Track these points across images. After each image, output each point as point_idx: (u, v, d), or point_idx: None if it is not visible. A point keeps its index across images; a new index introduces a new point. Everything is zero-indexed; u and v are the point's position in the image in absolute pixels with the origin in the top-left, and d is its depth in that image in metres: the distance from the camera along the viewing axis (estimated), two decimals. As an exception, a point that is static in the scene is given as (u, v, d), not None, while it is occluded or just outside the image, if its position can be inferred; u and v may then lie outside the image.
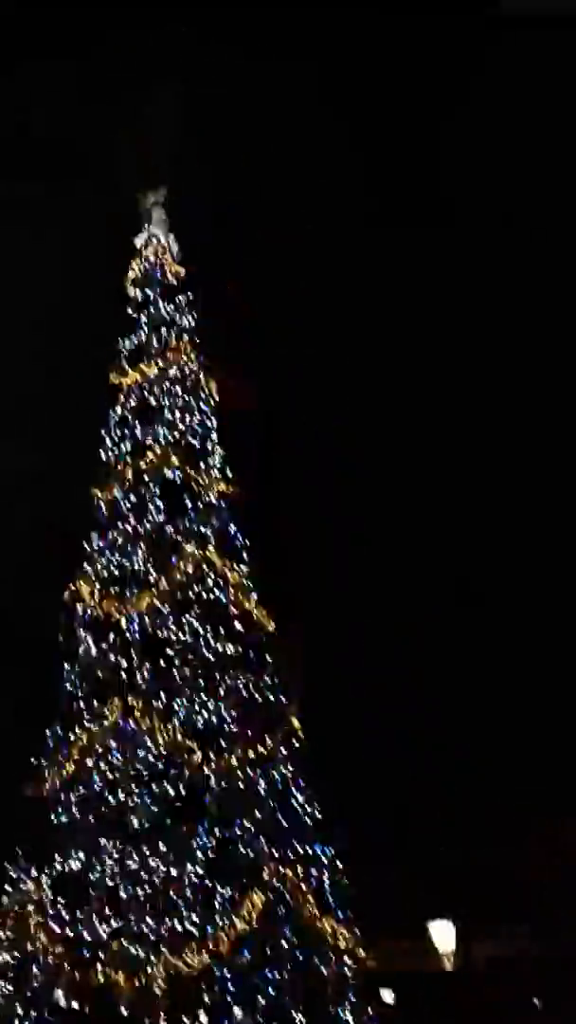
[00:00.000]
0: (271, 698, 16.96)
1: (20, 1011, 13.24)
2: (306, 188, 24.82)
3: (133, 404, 19.93)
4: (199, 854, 14.10)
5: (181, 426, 19.52)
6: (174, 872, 13.85)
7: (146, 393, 19.99)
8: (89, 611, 17.30)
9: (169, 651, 16.54)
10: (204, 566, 17.55)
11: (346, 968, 14.31)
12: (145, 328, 21.05)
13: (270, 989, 13.36)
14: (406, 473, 23.10)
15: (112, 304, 21.45)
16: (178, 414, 19.68)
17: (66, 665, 16.96)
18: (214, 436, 20.05)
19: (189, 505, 18.52)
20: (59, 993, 13.06)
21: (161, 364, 20.24)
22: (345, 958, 14.36)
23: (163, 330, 20.96)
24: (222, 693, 16.34)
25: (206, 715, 15.90)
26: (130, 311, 21.33)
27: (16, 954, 13.49)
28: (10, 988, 13.39)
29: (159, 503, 18.37)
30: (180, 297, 21.58)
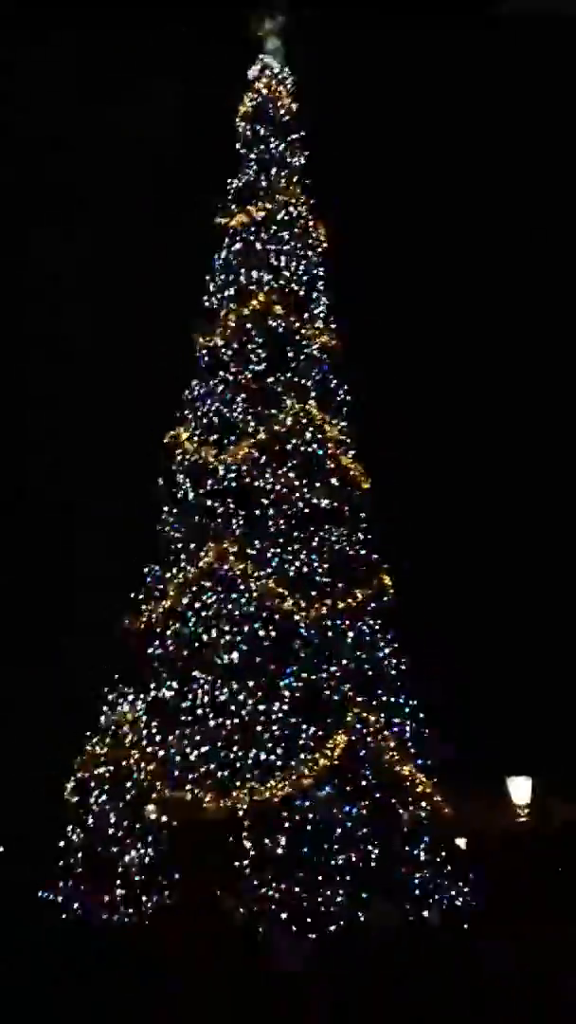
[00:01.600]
0: (363, 553, 17.53)
1: (113, 819, 14.68)
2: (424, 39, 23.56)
3: (238, 247, 19.96)
4: (286, 693, 14.96)
5: (287, 273, 19.53)
6: (262, 707, 14.77)
7: (252, 237, 19.94)
8: (188, 457, 17.94)
9: (264, 501, 17.13)
10: (303, 419, 17.88)
11: (422, 812, 15.25)
12: (254, 167, 20.84)
13: (348, 822, 14.37)
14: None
15: (221, 139, 21.20)
16: (284, 260, 19.66)
17: (165, 508, 17.79)
18: (321, 285, 20.04)
19: (291, 356, 18.71)
20: (150, 807, 14.41)
21: (269, 206, 20.10)
22: (422, 802, 15.28)
23: (273, 170, 20.73)
24: (315, 545, 16.93)
25: (298, 565, 16.54)
26: (239, 148, 21.09)
27: (111, 768, 14.84)
28: (105, 799, 14.81)
29: (260, 353, 18.60)
30: (293, 135, 21.22)
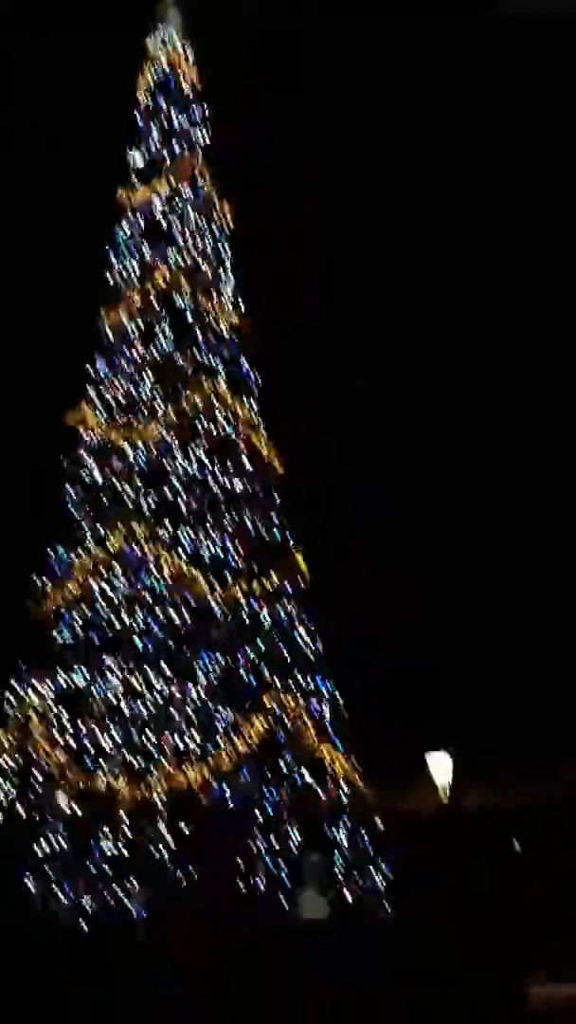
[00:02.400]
0: (277, 536, 17.46)
1: (22, 812, 14.18)
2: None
3: (142, 224, 19.64)
4: (202, 677, 14.75)
5: (193, 250, 19.32)
6: (177, 692, 14.53)
7: (156, 212, 19.66)
8: (94, 437, 17.53)
9: (175, 482, 16.88)
10: (213, 399, 17.71)
11: (342, 794, 15.26)
12: (156, 141, 20.55)
13: (268, 807, 14.26)
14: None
15: (122, 111, 20.81)
16: (190, 237, 19.44)
17: (69, 489, 17.32)
18: (228, 263, 19.90)
19: (199, 335, 18.51)
20: (60, 797, 13.98)
21: (173, 181, 19.85)
22: (342, 783, 15.29)
23: (175, 144, 20.48)
24: (228, 527, 16.78)
25: (212, 547, 16.36)
26: (140, 120, 20.74)
27: (19, 758, 14.33)
28: (13, 790, 14.30)
29: (167, 331, 18.34)
30: (196, 108, 21.01)
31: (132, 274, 19.09)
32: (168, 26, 21.60)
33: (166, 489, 16.75)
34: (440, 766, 14.05)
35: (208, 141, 20.80)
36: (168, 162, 20.24)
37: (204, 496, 16.86)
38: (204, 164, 20.52)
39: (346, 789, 15.59)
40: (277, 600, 16.74)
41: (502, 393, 22.62)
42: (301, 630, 16.88)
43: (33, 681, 15.17)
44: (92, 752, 14.18)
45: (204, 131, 20.94)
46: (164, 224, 19.50)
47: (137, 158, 20.43)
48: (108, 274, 19.37)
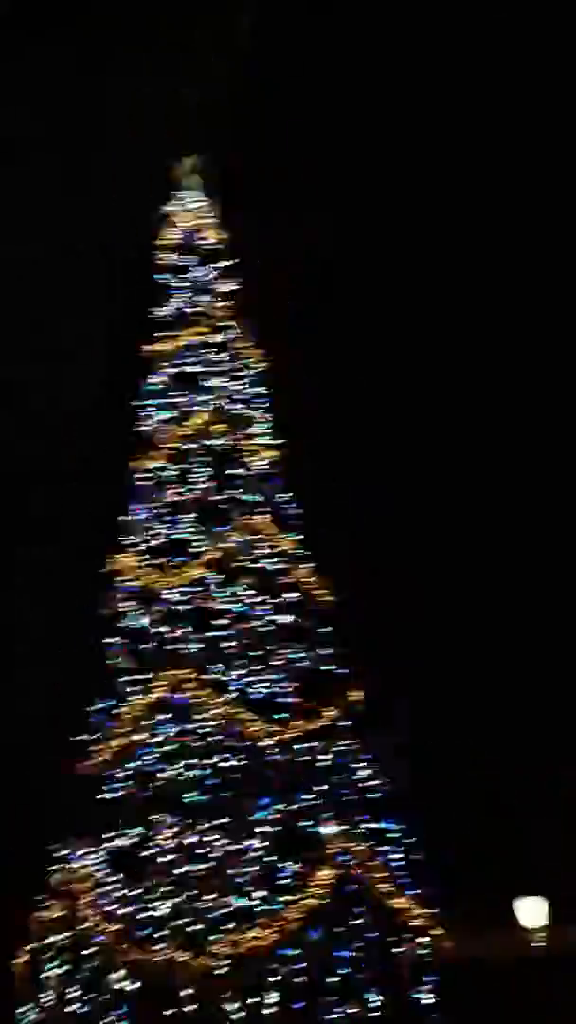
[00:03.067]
0: (330, 670, 16.60)
1: (76, 993, 12.90)
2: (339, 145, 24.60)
3: (171, 372, 19.81)
4: (260, 828, 13.64)
5: (224, 393, 19.37)
6: (235, 847, 13.40)
7: (185, 361, 19.86)
8: (132, 583, 17.10)
9: (220, 622, 16.26)
10: (253, 534, 17.32)
11: (422, 948, 13.77)
12: (181, 295, 21.00)
13: (341, 968, 12.86)
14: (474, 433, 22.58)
15: (147, 271, 21.39)
16: (220, 380, 19.54)
17: (110, 639, 16.75)
18: (260, 404, 19.88)
19: (236, 473, 18.30)
20: (116, 974, 12.72)
21: (201, 331, 20.14)
22: (420, 938, 13.82)
23: (200, 297, 20.91)
24: (278, 664, 16.01)
25: (262, 686, 15.55)
26: (163, 278, 21.28)
27: (68, 934, 13.16)
28: (64, 970, 13.06)
29: (203, 471, 18.17)
30: (218, 263, 21.56)
31: (164, 419, 19.09)
32: (187, 184, 22.46)
33: (210, 629, 16.07)
34: (530, 912, 12.61)
35: (232, 290, 21.21)
36: (194, 315, 20.60)
37: (250, 634, 16.15)
38: (231, 312, 20.86)
39: (425, 941, 14.07)
40: (335, 738, 15.70)
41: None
42: (360, 770, 15.74)
43: (81, 845, 14.11)
44: (147, 921, 12.93)
45: (228, 283, 21.41)
46: (193, 372, 19.63)
47: (162, 313, 20.81)
48: (140, 422, 19.37)
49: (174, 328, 20.44)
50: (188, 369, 19.62)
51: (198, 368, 19.66)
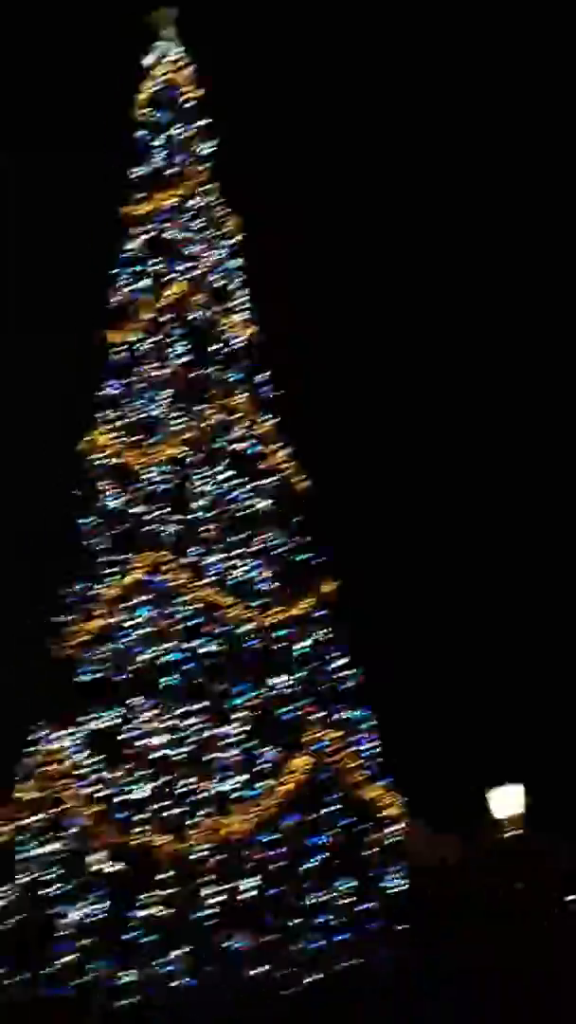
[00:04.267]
0: (305, 558, 16.01)
1: (54, 874, 12.59)
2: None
3: (147, 237, 18.32)
4: (238, 714, 13.24)
5: (202, 262, 18.00)
6: (213, 732, 13.01)
7: (161, 225, 18.35)
8: (108, 462, 16.12)
9: (197, 505, 15.47)
10: (232, 415, 16.38)
11: (393, 835, 13.71)
12: (160, 154, 19.28)
13: (315, 855, 12.72)
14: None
15: (121, 130, 19.55)
16: (198, 248, 18.14)
17: (85, 519, 15.86)
18: (238, 276, 18.59)
19: (213, 349, 17.18)
20: (95, 856, 12.41)
21: (178, 193, 18.56)
22: (392, 827, 13.74)
23: (179, 157, 19.23)
24: (256, 550, 15.36)
25: (240, 572, 14.92)
26: (142, 136, 19.49)
27: (46, 815, 12.75)
28: (42, 851, 12.71)
29: (180, 346, 17.00)
30: (198, 122, 19.78)
31: (140, 289, 17.71)
32: (166, 38, 20.37)
33: (188, 512, 15.28)
34: (507, 800, 12.51)
35: (212, 151, 19.53)
36: (172, 175, 18.96)
37: (228, 518, 15.41)
38: (209, 175, 19.25)
39: (397, 831, 14.02)
40: (311, 626, 15.26)
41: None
42: (336, 659, 15.38)
43: (57, 727, 13.58)
44: (126, 804, 12.57)
45: (206, 144, 19.69)
46: (171, 238, 18.15)
47: (140, 173, 19.10)
48: (114, 292, 17.97)
49: (150, 189, 18.84)
50: (165, 235, 18.13)
51: (176, 234, 18.18)
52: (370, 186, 22.36)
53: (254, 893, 11.89)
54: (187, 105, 19.87)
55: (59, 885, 12.30)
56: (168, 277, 17.62)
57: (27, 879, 12.51)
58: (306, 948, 11.81)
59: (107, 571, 15.14)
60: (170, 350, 16.94)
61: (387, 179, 22.52)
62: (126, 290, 17.88)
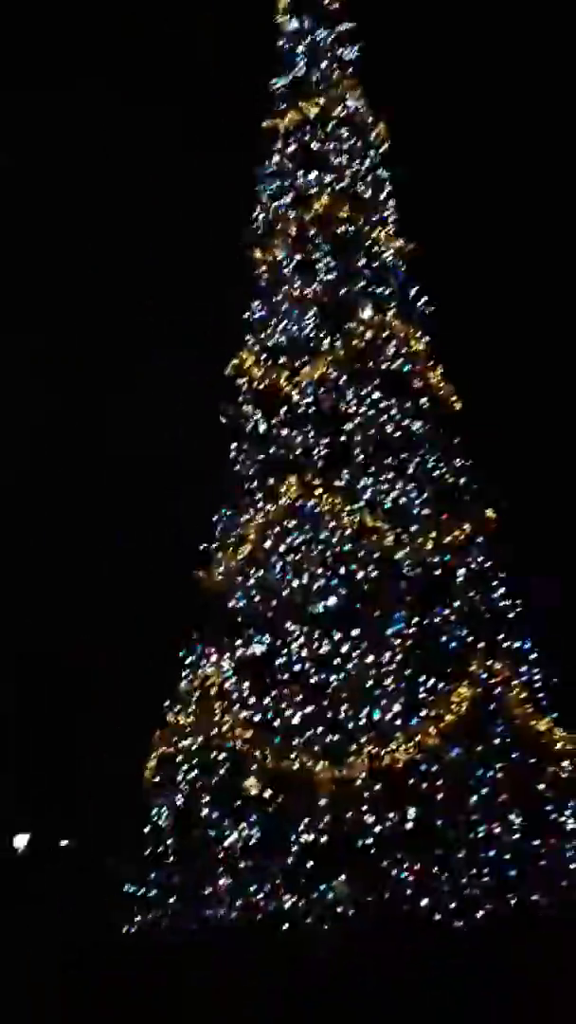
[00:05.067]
0: (463, 482, 15.31)
1: (207, 799, 12.63)
2: None
3: (291, 150, 17.75)
4: (397, 641, 12.82)
5: (349, 173, 17.29)
6: (370, 659, 12.65)
7: (306, 136, 17.73)
8: (256, 385, 15.83)
9: (348, 426, 14.99)
10: (384, 333, 15.73)
11: (565, 771, 13.04)
12: (301, 62, 18.60)
13: (482, 788, 12.23)
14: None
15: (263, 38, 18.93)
16: (344, 159, 17.43)
17: (233, 444, 15.69)
18: (387, 186, 17.80)
19: (363, 264, 16.52)
20: (250, 781, 12.36)
21: (321, 102, 17.85)
22: (564, 762, 13.07)
23: (322, 64, 18.50)
24: (411, 473, 14.79)
25: (394, 496, 14.40)
26: (283, 43, 18.84)
27: (200, 739, 12.79)
28: (195, 775, 12.77)
29: (328, 262, 16.44)
30: (341, 26, 18.95)
31: (284, 204, 17.20)
32: None
33: (338, 434, 14.83)
34: None
35: (356, 56, 18.67)
36: (315, 84, 18.26)
37: (381, 439, 14.88)
38: (354, 81, 18.44)
39: (569, 766, 13.33)
40: (470, 553, 14.61)
41: None
42: (499, 587, 14.70)
43: (210, 653, 13.57)
44: (282, 729, 12.44)
45: (351, 49, 18.84)
46: (316, 149, 17.50)
47: (282, 83, 18.49)
48: (259, 209, 17.55)
49: (291, 100, 18.22)
50: (311, 145, 17.50)
51: (320, 145, 17.52)
52: (524, 84, 20.88)
53: (417, 823, 11.48)
54: (331, 7, 19.11)
55: (216, 810, 12.29)
56: (313, 190, 17.02)
57: (184, 803, 12.56)
58: (474, 882, 11.36)
59: (257, 497, 14.91)
60: (317, 267, 16.40)
61: (544, 77, 20.98)
62: (271, 206, 17.43)
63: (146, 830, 13.10)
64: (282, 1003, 9.37)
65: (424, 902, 11.28)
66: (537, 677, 13.93)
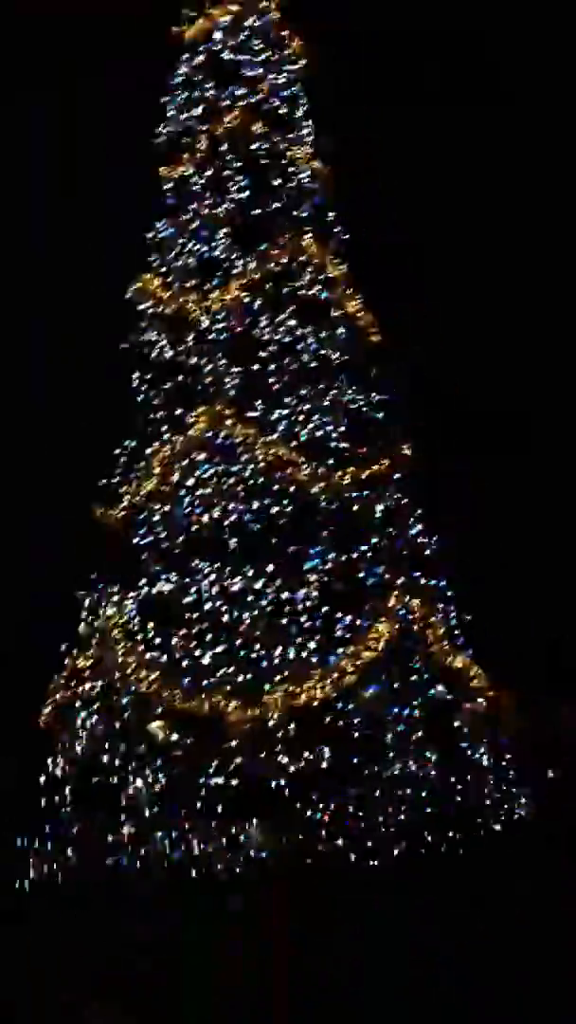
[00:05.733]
0: (380, 415, 14.95)
1: (109, 746, 12.07)
2: None
3: (201, 60, 16.83)
4: (313, 577, 12.43)
5: (263, 86, 16.50)
6: (286, 595, 12.23)
7: (217, 46, 16.83)
8: (162, 309, 15.05)
9: (262, 354, 14.40)
10: (300, 256, 15.14)
11: (480, 708, 12.96)
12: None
13: (399, 725, 12.03)
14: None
15: None
16: (258, 71, 16.62)
17: (137, 372, 14.92)
18: (302, 103, 17.09)
19: (277, 184, 15.84)
20: (155, 725, 11.85)
21: (235, 8, 16.96)
22: (480, 699, 12.98)
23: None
24: (327, 404, 14.34)
25: (310, 428, 13.94)
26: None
27: (102, 683, 12.18)
28: (98, 721, 12.18)
29: (241, 180, 15.69)
30: None
31: (194, 117, 16.34)
32: None
33: (252, 362, 14.24)
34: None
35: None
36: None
37: (297, 368, 14.35)
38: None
39: (484, 703, 13.27)
40: (387, 488, 14.30)
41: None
42: (416, 523, 14.45)
43: (112, 593, 12.91)
44: (191, 670, 11.93)
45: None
46: (227, 60, 16.64)
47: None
48: (165, 123, 16.63)
49: (201, 7, 17.27)
50: (222, 56, 16.63)
51: (232, 56, 16.67)
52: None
53: (333, 763, 11.19)
54: None
55: (121, 755, 11.75)
56: (224, 104, 16.21)
57: (88, 749, 11.98)
58: (391, 822, 11.15)
59: (163, 428, 14.24)
60: (228, 185, 15.64)
61: None
62: (179, 118, 16.54)
63: (41, 780, 12.44)
64: (197, 955, 8.95)
65: (339, 843, 10.97)
66: (454, 615, 13.78)
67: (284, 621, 12.14)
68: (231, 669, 11.83)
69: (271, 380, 14.23)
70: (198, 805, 11.25)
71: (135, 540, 13.43)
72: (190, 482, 13.50)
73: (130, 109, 17.87)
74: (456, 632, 13.52)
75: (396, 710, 12.14)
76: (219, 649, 11.95)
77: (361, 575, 12.87)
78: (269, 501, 13.16)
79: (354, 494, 13.67)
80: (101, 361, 15.33)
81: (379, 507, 13.85)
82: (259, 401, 13.95)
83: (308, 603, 12.29)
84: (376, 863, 11.02)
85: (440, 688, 12.62)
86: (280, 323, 14.62)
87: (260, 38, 16.98)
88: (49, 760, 12.64)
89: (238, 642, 11.99)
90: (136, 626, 12.55)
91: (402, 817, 11.41)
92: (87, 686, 12.52)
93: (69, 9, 19.83)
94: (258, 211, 15.46)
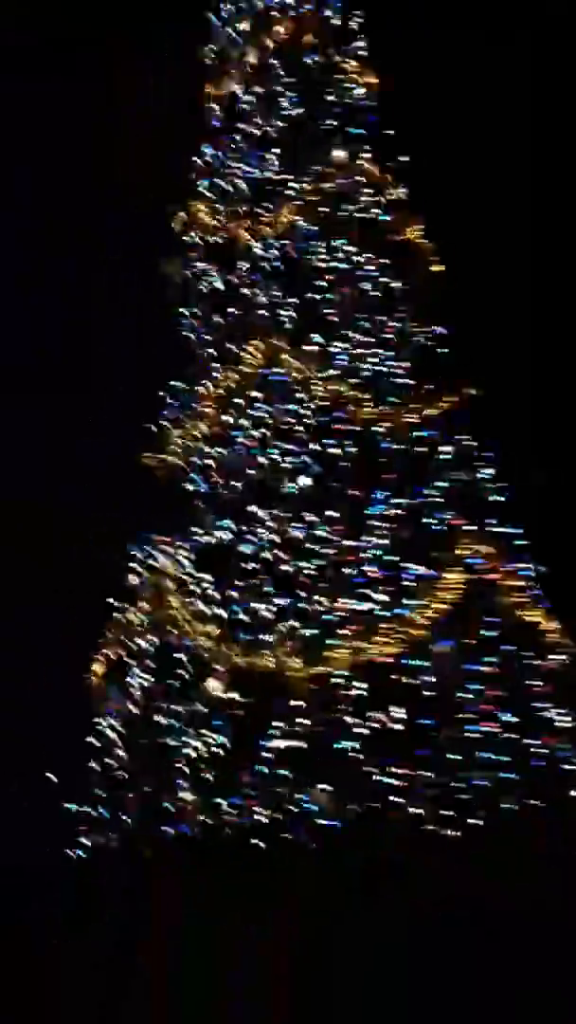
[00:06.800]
0: (446, 350, 14.12)
1: (164, 703, 11.59)
2: None
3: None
4: (378, 524, 11.75)
5: (314, -6, 15.52)
6: (349, 544, 11.57)
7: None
8: (209, 237, 14.33)
9: (319, 283, 13.64)
10: (359, 177, 14.31)
11: (561, 664, 12.25)
12: None
13: (473, 683, 11.39)
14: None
15: None
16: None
17: (184, 309, 14.22)
18: (358, 13, 16.05)
19: (332, 100, 14.93)
20: (213, 683, 11.32)
21: None
22: (558, 655, 12.27)
23: None
24: (390, 338, 13.55)
25: (373, 363, 13.18)
26: None
27: (156, 640, 11.67)
28: (151, 678, 11.69)
29: (292, 96, 14.82)
30: None
31: (242, 32, 15.43)
32: None
33: (307, 291, 13.48)
34: None
35: None
36: None
37: (356, 299, 13.58)
38: None
39: (563, 659, 12.55)
40: (454, 429, 13.51)
41: None
42: (486, 467, 13.65)
43: (163, 544, 12.34)
44: (250, 624, 11.36)
45: None
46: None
47: None
48: (212, 37, 15.74)
49: None
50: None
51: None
52: None
53: (400, 724, 10.60)
54: None
55: (176, 715, 11.27)
56: (275, 12, 15.29)
57: (140, 709, 11.52)
58: (467, 786, 10.56)
59: (214, 366, 13.56)
60: (281, 100, 14.78)
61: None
62: (225, 35, 15.62)
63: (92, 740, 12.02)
64: (260, 927, 8.50)
65: (412, 810, 10.42)
66: (527, 565, 13.02)
67: (348, 571, 11.46)
68: (292, 623, 11.21)
69: (329, 311, 13.45)
70: (260, 769, 10.71)
71: (187, 486, 12.79)
72: (244, 423, 12.81)
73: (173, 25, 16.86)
74: (533, 584, 12.73)
75: (469, 667, 11.43)
76: (279, 602, 11.33)
77: (428, 521, 12.11)
78: (329, 442, 12.46)
79: (418, 434, 12.88)
80: (147, 295, 14.59)
81: (446, 448, 13.05)
82: (316, 334, 13.18)
83: (373, 552, 11.59)
84: (451, 831, 10.44)
85: (516, 644, 11.85)
86: (337, 249, 13.80)
87: None
88: (100, 719, 12.19)
89: (299, 594, 11.35)
90: (191, 578, 11.95)
91: (477, 782, 10.77)
92: (139, 641, 11.99)
93: None
94: (311, 129, 14.57)
